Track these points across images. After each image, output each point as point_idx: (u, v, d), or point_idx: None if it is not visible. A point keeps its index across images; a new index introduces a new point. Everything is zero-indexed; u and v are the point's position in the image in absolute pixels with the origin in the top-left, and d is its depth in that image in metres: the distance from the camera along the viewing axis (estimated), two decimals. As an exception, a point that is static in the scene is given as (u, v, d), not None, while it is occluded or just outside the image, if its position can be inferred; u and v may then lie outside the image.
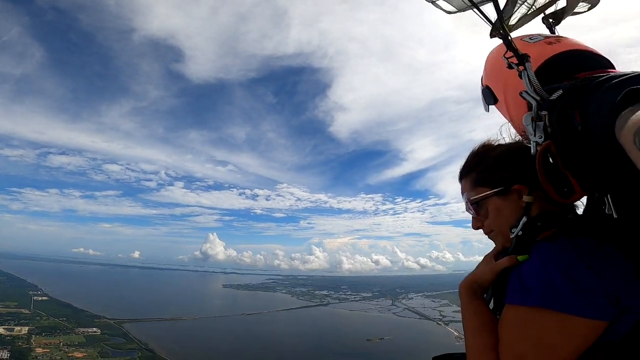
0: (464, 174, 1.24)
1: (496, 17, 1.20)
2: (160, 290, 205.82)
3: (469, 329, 1.01)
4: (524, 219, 1.00)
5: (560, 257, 0.85)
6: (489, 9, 1.31)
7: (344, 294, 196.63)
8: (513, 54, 1.18)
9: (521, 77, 1.14)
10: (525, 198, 1.03)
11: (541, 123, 1.02)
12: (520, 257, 0.93)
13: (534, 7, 1.57)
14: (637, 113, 0.60)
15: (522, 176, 1.06)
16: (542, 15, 1.61)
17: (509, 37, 1.18)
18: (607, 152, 0.72)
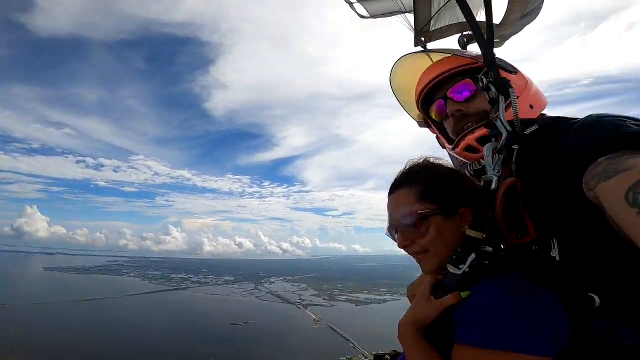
0: (405, 184, 1.08)
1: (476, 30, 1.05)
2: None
3: None
4: (473, 255, 0.92)
5: (508, 295, 0.84)
6: (401, 19, 1.29)
7: (205, 278, 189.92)
8: (493, 77, 1.02)
9: (492, 104, 1.04)
10: (474, 234, 0.94)
11: (501, 156, 0.95)
12: (463, 294, 0.90)
13: (454, 22, 1.44)
14: (625, 165, 0.54)
15: (470, 201, 1.00)
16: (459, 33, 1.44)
17: (495, 58, 1.03)
18: (571, 197, 0.66)
